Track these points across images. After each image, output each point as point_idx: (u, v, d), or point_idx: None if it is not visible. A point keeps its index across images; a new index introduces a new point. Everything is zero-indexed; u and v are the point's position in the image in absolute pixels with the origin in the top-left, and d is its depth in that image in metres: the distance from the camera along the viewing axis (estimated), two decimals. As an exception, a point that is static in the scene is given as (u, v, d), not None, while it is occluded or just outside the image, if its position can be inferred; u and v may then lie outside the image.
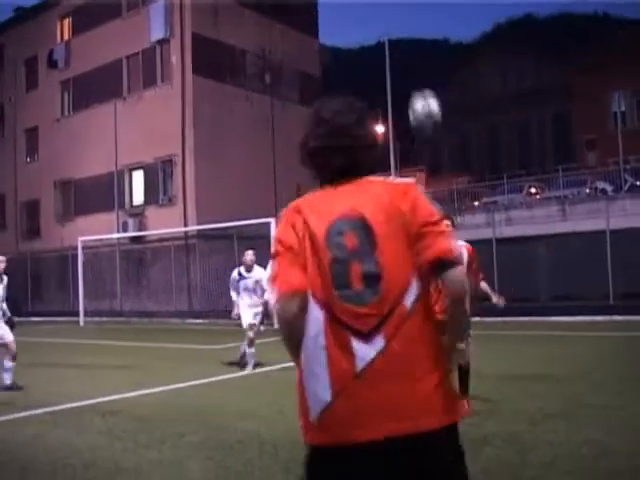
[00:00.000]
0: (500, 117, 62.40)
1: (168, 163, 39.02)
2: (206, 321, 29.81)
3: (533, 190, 37.38)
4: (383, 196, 2.79)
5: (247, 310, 14.17)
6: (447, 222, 7.91)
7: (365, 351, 2.60)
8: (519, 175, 40.61)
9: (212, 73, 38.98)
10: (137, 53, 41.04)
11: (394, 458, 2.61)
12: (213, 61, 39.01)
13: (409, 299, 2.65)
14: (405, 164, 57.28)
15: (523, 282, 27.58)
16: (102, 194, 40.98)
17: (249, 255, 14.52)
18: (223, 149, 37.96)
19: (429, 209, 2.82)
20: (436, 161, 65.32)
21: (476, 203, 37.19)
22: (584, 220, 28.28)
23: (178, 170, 38.42)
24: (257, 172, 39.16)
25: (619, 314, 23.24)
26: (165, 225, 35.58)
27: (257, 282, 14.30)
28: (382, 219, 2.72)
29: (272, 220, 26.09)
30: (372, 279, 2.65)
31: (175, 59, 38.99)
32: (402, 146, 55.55)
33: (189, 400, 10.55)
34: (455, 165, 62.55)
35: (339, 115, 2.91)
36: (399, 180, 2.93)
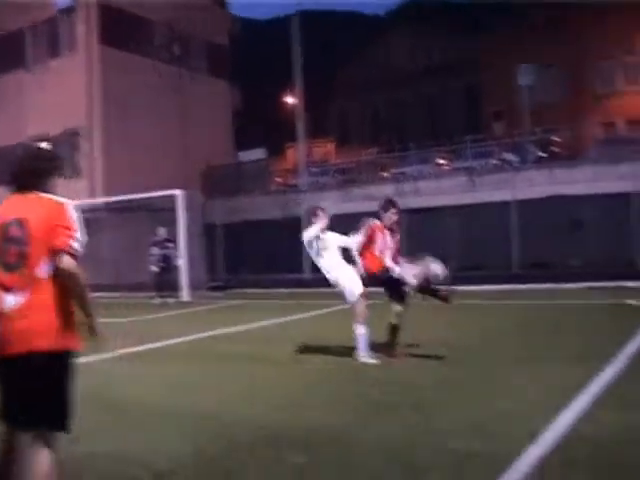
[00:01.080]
0: (410, 89, 62.71)
1: (75, 135, 38.28)
2: (115, 294, 29.40)
3: (442, 161, 37.73)
4: (43, 207, 4.44)
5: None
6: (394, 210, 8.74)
7: (10, 300, 4.31)
8: (428, 146, 40.92)
9: (119, 43, 38.29)
10: (42, 22, 40.02)
11: (26, 365, 4.28)
12: (120, 31, 38.32)
13: (44, 270, 4.32)
14: (315, 135, 57.27)
15: (431, 253, 27.90)
16: (7, 167, 39.98)
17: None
18: (131, 120, 37.38)
19: (68, 219, 4.40)
20: (346, 132, 65.40)
21: (385, 174, 37.40)
22: (491, 191, 28.72)
23: (85, 142, 37.77)
24: (166, 143, 38.74)
25: (523, 283, 23.73)
26: (72, 198, 34.28)
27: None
28: (37, 221, 4.34)
29: (179, 192, 25.92)
30: (22, 257, 4.32)
31: (81, 29, 38.16)
32: (311, 117, 55.46)
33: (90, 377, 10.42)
34: (365, 137, 62.73)
35: (18, 152, 4.91)
36: (58, 199, 4.52)
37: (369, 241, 10.66)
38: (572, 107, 49.72)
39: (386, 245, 10.71)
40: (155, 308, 22.35)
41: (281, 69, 47.52)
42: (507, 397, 7.73)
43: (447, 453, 5.88)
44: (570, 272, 25.21)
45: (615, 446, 5.88)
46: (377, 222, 10.77)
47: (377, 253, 10.63)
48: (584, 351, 10.52)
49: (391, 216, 10.81)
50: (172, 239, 25.20)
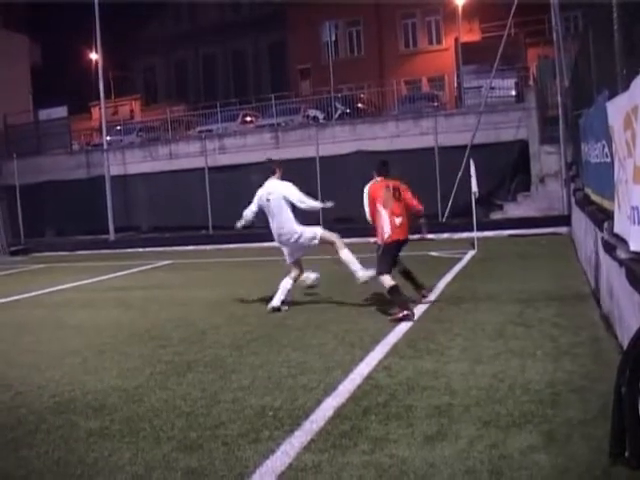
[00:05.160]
0: (217, 46, 61.96)
1: None
2: None
3: (248, 118, 37.60)
4: None
5: None
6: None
7: None
8: (234, 103, 40.67)
9: None
10: None
11: None
12: None
13: None
14: (121, 93, 55.93)
15: (234, 209, 27.97)
16: None
17: None
18: None
19: None
20: (152, 89, 64.11)
21: (190, 132, 36.96)
22: (296, 147, 28.87)
23: None
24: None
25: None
26: None
27: None
28: None
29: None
30: None
31: None
32: (116, 75, 54.04)
33: None
34: (171, 94, 61.75)
35: None
36: None
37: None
38: (376, 64, 50.62)
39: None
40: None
41: (84, 24, 45.96)
42: (305, 352, 7.79)
43: (245, 409, 5.88)
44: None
45: (408, 393, 6.01)
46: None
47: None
48: (384, 302, 10.69)
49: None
50: None
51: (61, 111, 37.82)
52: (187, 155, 30.65)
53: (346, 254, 10.78)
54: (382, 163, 11.09)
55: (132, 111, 55.10)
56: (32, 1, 46.69)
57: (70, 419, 5.92)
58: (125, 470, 4.68)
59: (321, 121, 32.14)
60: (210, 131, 33.82)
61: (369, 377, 6.59)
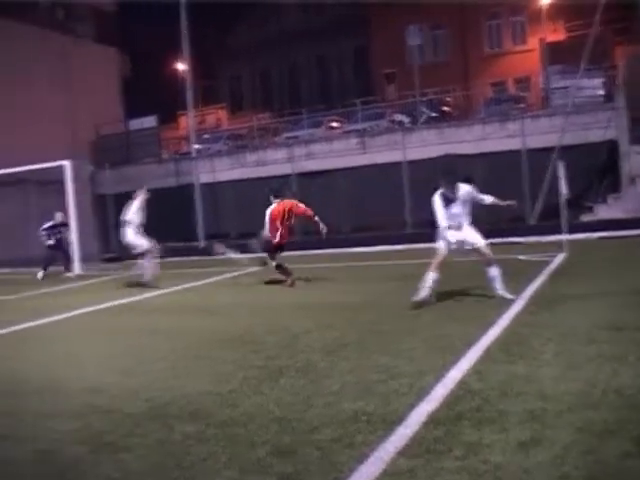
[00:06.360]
0: (300, 52, 62.29)
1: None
2: (5, 270, 28.62)
3: (334, 124, 37.73)
4: None
5: None
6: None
7: None
8: (320, 110, 40.87)
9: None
10: None
11: None
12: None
13: None
14: (207, 101, 56.63)
15: (324, 215, 28.02)
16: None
17: None
18: (14, 89, 36.18)
19: None
20: (238, 97, 64.79)
21: (277, 139, 37.22)
22: (383, 152, 28.89)
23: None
24: (52, 113, 37.64)
25: (416, 242, 23.84)
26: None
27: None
28: None
29: (67, 163, 25.19)
30: None
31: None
32: (202, 84, 54.72)
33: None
34: (256, 101, 62.33)
35: None
36: None
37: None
38: (461, 67, 50.38)
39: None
40: (46, 283, 21.79)
41: (171, 35, 46.71)
42: (396, 357, 7.75)
43: (338, 413, 5.88)
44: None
45: (500, 398, 5.95)
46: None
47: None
48: (475, 306, 10.63)
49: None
50: (67, 222, 24.45)
51: (151, 121, 38.54)
52: (274, 162, 30.89)
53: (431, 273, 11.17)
54: (279, 187, 17.17)
55: (219, 119, 55.74)
56: (121, 11, 47.46)
57: (165, 423, 5.99)
58: (221, 474, 4.74)
59: (407, 125, 32.07)
60: (296, 137, 34.03)
61: (461, 382, 6.53)
